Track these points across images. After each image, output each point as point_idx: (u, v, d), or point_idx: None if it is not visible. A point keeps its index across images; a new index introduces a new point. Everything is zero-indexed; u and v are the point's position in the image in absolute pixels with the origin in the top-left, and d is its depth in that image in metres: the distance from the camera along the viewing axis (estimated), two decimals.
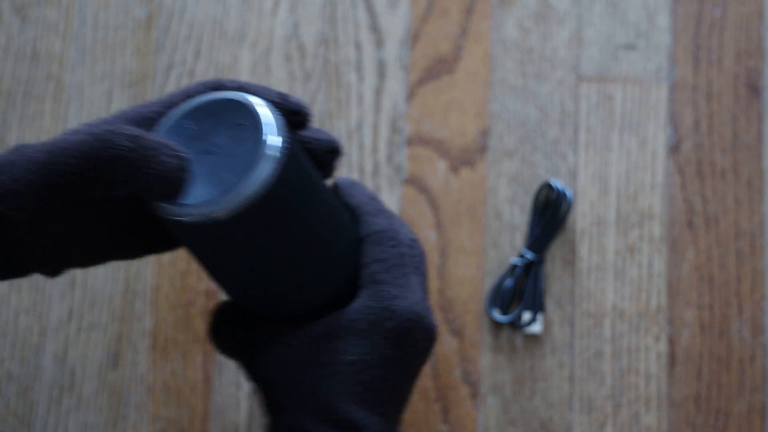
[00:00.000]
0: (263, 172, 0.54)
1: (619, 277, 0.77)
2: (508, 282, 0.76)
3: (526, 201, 0.78)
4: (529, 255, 0.76)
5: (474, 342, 0.76)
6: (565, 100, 0.79)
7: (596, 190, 0.78)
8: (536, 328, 0.75)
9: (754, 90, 0.79)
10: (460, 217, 0.78)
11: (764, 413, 0.74)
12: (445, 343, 0.76)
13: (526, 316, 0.75)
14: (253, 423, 0.76)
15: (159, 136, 0.56)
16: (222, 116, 0.56)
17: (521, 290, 0.76)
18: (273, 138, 0.55)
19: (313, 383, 0.57)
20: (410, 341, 0.58)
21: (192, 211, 0.55)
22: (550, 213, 0.76)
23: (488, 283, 0.77)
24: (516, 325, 0.75)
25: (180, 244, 0.62)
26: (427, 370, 0.76)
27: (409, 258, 0.60)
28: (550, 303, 0.76)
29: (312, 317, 0.60)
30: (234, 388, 0.76)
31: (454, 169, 0.79)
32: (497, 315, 0.76)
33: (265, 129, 0.55)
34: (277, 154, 0.55)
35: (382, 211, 0.62)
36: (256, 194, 0.54)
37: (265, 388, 0.59)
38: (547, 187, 0.77)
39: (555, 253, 0.77)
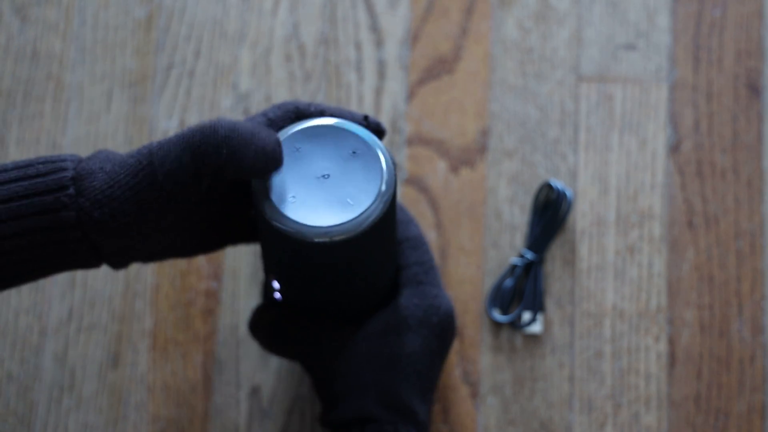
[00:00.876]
0: (386, 197, 0.59)
1: (619, 277, 0.77)
2: (508, 282, 0.76)
3: (526, 201, 0.78)
4: (529, 255, 0.76)
5: (474, 342, 0.76)
6: (565, 100, 0.79)
7: (596, 190, 0.78)
8: (536, 328, 0.75)
9: (754, 90, 0.79)
10: (460, 217, 0.78)
11: (764, 413, 0.74)
12: None
13: (526, 316, 0.76)
14: (253, 423, 0.76)
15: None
16: (326, 141, 0.60)
17: (521, 290, 0.76)
18: (388, 167, 0.60)
19: (375, 374, 0.64)
20: (448, 334, 0.67)
21: (329, 231, 0.58)
22: (550, 213, 0.76)
23: (488, 283, 0.77)
24: (516, 325, 0.75)
25: (226, 244, 0.66)
26: None
27: (433, 260, 0.68)
28: (550, 303, 0.76)
29: (360, 313, 0.67)
30: (234, 388, 0.76)
31: (454, 169, 0.79)
32: (497, 315, 0.76)
33: (383, 159, 0.60)
34: (394, 181, 0.60)
35: (411, 219, 0.68)
36: (379, 216, 0.59)
37: (328, 380, 0.65)
38: (547, 187, 0.77)
39: (555, 253, 0.77)
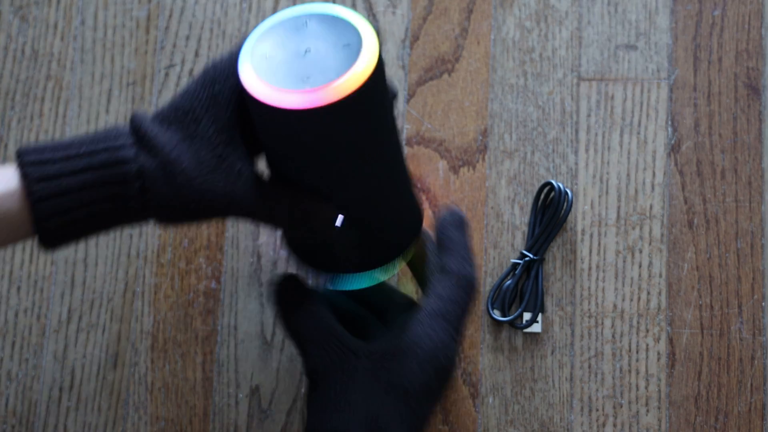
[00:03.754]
0: (368, 64, 0.58)
1: (619, 277, 0.77)
2: (509, 282, 0.76)
3: (526, 201, 0.78)
4: (530, 255, 0.76)
5: (474, 342, 0.76)
6: (565, 100, 0.79)
7: (596, 190, 0.78)
8: (536, 328, 0.75)
9: (754, 90, 0.79)
10: None
11: (764, 413, 0.74)
12: None
13: (527, 316, 0.75)
14: (253, 423, 0.76)
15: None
16: (331, 30, 0.60)
17: (521, 291, 0.76)
18: (369, 57, 0.59)
19: (367, 396, 0.62)
20: (447, 380, 0.64)
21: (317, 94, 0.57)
22: (550, 213, 0.76)
23: (489, 283, 0.77)
24: (516, 325, 0.75)
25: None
26: None
27: (464, 304, 0.66)
28: (550, 303, 0.76)
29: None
30: (234, 388, 0.76)
31: (454, 169, 0.79)
32: (497, 315, 0.76)
33: (368, 47, 0.59)
34: (377, 54, 0.59)
35: (472, 261, 0.67)
36: (363, 82, 0.58)
37: (323, 387, 0.63)
38: (548, 186, 0.77)
39: (555, 253, 0.77)
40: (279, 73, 0.59)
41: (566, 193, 0.76)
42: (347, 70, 0.58)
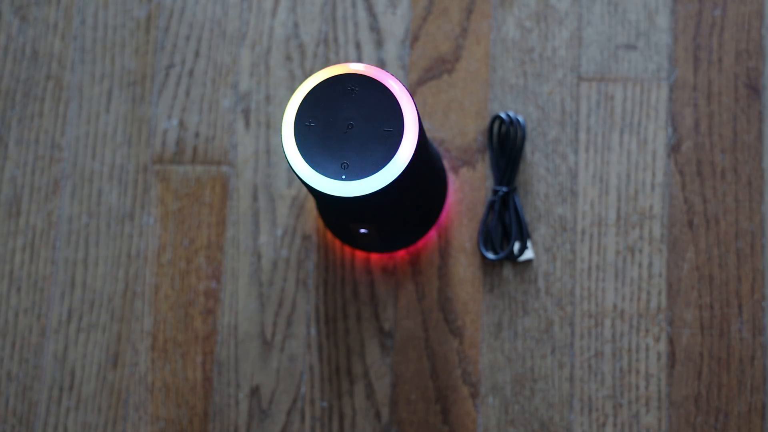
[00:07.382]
0: (403, 160, 0.62)
1: (619, 277, 0.77)
2: (492, 220, 0.77)
3: (527, 201, 0.78)
4: (502, 189, 0.77)
5: (474, 342, 0.76)
6: (565, 100, 0.79)
7: (596, 190, 0.78)
8: (529, 254, 0.76)
9: (754, 90, 0.79)
10: (460, 217, 0.78)
11: (764, 413, 0.74)
12: (445, 343, 0.76)
13: (516, 246, 0.76)
14: (253, 423, 0.76)
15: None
16: (356, 97, 0.63)
17: (506, 226, 0.77)
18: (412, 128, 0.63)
19: None
20: None
21: (360, 188, 0.62)
22: (510, 143, 0.77)
23: (489, 283, 0.77)
24: (510, 257, 0.76)
25: None
26: (427, 371, 0.76)
27: None
28: (550, 303, 0.76)
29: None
30: (234, 388, 0.76)
31: (454, 169, 0.79)
32: (490, 254, 0.76)
33: (407, 119, 0.63)
34: (415, 144, 0.63)
35: None
36: (395, 178, 0.62)
37: None
38: (498, 120, 0.78)
39: (555, 253, 0.77)
40: (320, 151, 0.62)
41: (516, 119, 0.77)
42: (384, 165, 0.62)
